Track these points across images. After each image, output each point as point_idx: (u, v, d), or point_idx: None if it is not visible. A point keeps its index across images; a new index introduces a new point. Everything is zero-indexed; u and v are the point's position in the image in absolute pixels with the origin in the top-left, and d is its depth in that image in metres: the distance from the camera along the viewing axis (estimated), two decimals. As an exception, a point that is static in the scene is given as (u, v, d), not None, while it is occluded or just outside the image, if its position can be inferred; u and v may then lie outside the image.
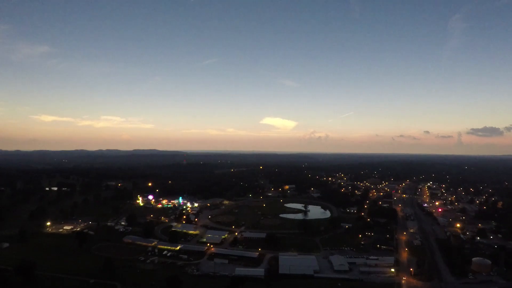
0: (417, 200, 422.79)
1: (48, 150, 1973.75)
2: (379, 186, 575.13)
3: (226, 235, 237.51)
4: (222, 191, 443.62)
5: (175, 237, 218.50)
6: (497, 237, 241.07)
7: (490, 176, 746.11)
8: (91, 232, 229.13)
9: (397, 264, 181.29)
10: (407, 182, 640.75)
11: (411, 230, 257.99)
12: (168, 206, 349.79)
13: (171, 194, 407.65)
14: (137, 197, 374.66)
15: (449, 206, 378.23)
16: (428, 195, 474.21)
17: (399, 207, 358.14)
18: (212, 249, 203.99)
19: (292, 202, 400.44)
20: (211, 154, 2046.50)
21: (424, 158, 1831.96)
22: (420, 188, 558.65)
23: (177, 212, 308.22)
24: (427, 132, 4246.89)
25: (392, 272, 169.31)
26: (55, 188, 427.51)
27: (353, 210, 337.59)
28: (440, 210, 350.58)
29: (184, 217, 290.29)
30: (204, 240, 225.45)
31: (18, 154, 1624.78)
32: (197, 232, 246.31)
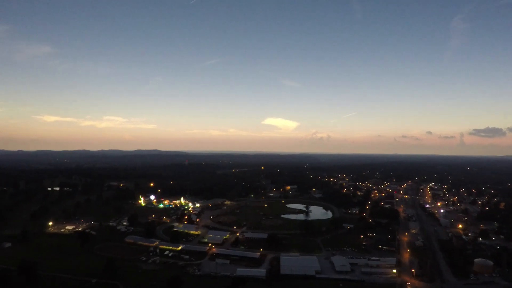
0: (419, 201, 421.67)
1: (50, 150, 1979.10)
2: (381, 186, 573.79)
3: (227, 235, 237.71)
4: (224, 192, 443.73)
5: (177, 237, 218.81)
6: (499, 238, 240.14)
7: (493, 177, 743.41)
8: (93, 232, 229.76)
9: (399, 265, 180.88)
10: (409, 183, 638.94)
11: (413, 231, 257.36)
12: (170, 206, 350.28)
13: (173, 194, 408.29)
14: (139, 197, 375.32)
15: (451, 207, 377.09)
16: (430, 196, 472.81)
17: (401, 208, 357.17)
18: (214, 249, 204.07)
19: (294, 203, 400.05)
20: (213, 154, 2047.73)
21: (426, 158, 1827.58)
22: (422, 189, 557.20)
23: (178, 212, 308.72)
24: (430, 132, 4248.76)
25: (394, 273, 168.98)
26: (57, 188, 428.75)
27: (355, 210, 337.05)
28: (442, 210, 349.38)
29: (186, 217, 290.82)
30: (206, 240, 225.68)
31: (20, 154, 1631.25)
32: (198, 232, 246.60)
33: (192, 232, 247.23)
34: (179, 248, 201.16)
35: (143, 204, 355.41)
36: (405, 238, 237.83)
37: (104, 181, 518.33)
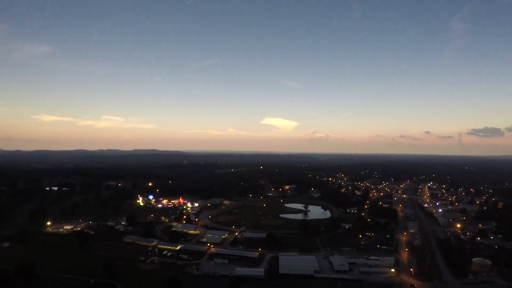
0: (417, 201, 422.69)
1: (48, 150, 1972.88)
2: (379, 186, 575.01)
3: (226, 235, 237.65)
4: (223, 191, 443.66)
5: (175, 237, 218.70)
6: (497, 237, 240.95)
7: (491, 176, 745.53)
8: (92, 232, 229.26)
9: (397, 264, 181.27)
10: (408, 183, 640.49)
11: (412, 231, 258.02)
12: (169, 206, 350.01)
13: (172, 194, 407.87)
14: (138, 197, 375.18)
15: (449, 207, 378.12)
16: (428, 196, 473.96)
17: (399, 208, 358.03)
18: (212, 249, 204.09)
19: (293, 202, 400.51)
20: (212, 154, 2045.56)
21: (424, 158, 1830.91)
22: (421, 189, 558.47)
23: (177, 212, 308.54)
24: (428, 132, 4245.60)
25: (393, 272, 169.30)
26: (56, 188, 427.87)
27: (354, 210, 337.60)
28: (440, 210, 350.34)
29: (184, 217, 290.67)
30: (204, 240, 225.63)
31: (18, 154, 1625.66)
32: (197, 232, 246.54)
33: (191, 231, 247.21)
34: (178, 247, 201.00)
35: (142, 204, 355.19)
36: (403, 237, 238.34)
37: (103, 181, 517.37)
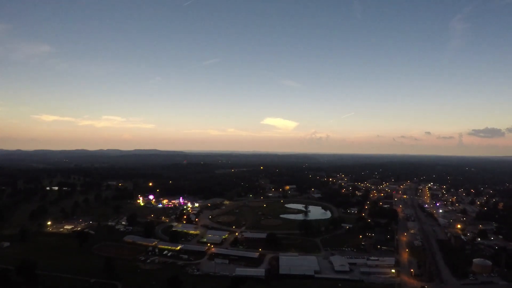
0: (418, 201, 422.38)
1: (49, 150, 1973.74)
2: (380, 186, 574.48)
3: (226, 235, 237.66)
4: (223, 191, 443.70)
5: (176, 237, 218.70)
6: (498, 238, 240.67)
7: (491, 177, 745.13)
8: (92, 232, 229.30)
9: (397, 265, 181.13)
10: (408, 183, 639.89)
11: (412, 231, 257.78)
12: (169, 206, 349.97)
13: (172, 194, 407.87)
14: (138, 197, 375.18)
15: (450, 207, 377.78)
16: (429, 196, 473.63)
17: (399, 208, 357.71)
18: (213, 249, 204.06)
19: (293, 203, 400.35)
20: (212, 154, 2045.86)
21: (425, 159, 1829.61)
22: (421, 189, 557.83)
23: (177, 212, 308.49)
24: (428, 133, 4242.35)
25: (393, 272, 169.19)
26: (56, 188, 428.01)
27: (354, 210, 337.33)
28: (441, 211, 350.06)
29: (185, 217, 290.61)
30: (205, 240, 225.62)
31: (19, 154, 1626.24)
32: (197, 232, 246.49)
33: (191, 232, 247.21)
34: (178, 247, 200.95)
35: (142, 204, 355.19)
36: (404, 238, 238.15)
37: (103, 181, 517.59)
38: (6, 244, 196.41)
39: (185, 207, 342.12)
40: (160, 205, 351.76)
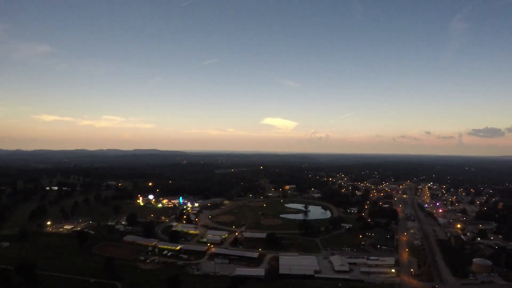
0: (417, 201, 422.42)
1: (48, 150, 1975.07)
2: (379, 186, 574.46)
3: (226, 235, 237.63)
4: (223, 191, 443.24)
5: (176, 237, 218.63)
6: (497, 238, 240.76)
7: (491, 177, 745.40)
8: (92, 232, 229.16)
9: (397, 264, 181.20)
10: (408, 183, 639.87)
11: (412, 231, 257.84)
12: (169, 206, 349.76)
13: (172, 194, 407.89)
14: (138, 196, 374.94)
15: (449, 207, 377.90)
16: (428, 196, 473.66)
17: (399, 208, 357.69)
18: (213, 249, 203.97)
19: (293, 202, 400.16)
20: (212, 154, 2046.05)
21: (425, 158, 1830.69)
22: (421, 189, 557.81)
23: (177, 212, 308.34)
24: (428, 132, 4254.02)
25: (393, 272, 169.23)
26: (56, 188, 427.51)
27: (354, 210, 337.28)
28: (440, 210, 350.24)
29: (185, 217, 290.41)
30: (205, 240, 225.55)
31: (18, 154, 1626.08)
32: (197, 232, 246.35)
33: (191, 231, 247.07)
34: (178, 247, 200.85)
35: (142, 204, 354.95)
36: (403, 237, 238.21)
37: (103, 181, 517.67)
38: (6, 244, 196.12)
39: (184, 207, 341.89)
40: (160, 205, 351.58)
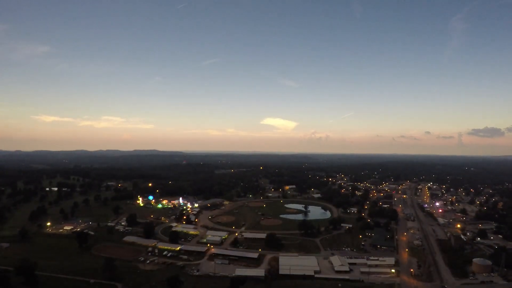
0: (417, 201, 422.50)
1: (48, 150, 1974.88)
2: (379, 186, 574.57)
3: (226, 235, 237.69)
4: (223, 192, 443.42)
5: (175, 238, 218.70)
6: (497, 237, 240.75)
7: (491, 176, 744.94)
8: (92, 232, 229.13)
9: (397, 264, 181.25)
10: (408, 183, 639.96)
11: (412, 231, 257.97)
12: (168, 206, 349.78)
13: (171, 194, 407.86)
14: (138, 197, 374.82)
15: (449, 207, 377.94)
16: (428, 196, 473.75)
17: (399, 208, 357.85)
18: (212, 249, 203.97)
19: (293, 203, 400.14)
20: (212, 154, 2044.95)
21: (424, 158, 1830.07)
22: (421, 189, 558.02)
23: (177, 213, 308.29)
24: (428, 132, 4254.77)
25: (393, 272, 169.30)
26: (56, 188, 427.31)
27: (354, 210, 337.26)
28: (440, 210, 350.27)
29: (184, 217, 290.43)
30: (204, 240, 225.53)
31: (18, 154, 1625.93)
32: (197, 232, 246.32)
33: (191, 232, 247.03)
34: (178, 248, 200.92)
35: (142, 204, 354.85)
36: (403, 237, 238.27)
37: (102, 181, 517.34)
38: (6, 245, 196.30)
39: (184, 207, 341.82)
40: (160, 206, 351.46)
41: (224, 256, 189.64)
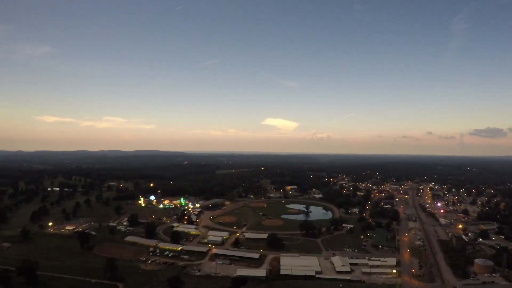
0: (419, 201, 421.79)
1: (50, 151, 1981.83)
2: (381, 187, 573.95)
3: (227, 235, 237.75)
4: (224, 192, 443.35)
5: (177, 238, 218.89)
6: (499, 238, 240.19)
7: (493, 177, 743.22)
8: (93, 232, 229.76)
9: (399, 265, 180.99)
10: (409, 183, 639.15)
11: (413, 231, 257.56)
12: (170, 206, 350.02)
13: (173, 194, 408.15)
14: (139, 197, 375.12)
15: (451, 207, 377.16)
16: (430, 196, 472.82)
17: (401, 208, 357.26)
18: (214, 249, 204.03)
19: (294, 203, 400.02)
20: (213, 154, 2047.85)
21: (426, 159, 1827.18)
22: (422, 189, 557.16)
23: (178, 213, 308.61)
24: (430, 133, 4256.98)
25: (394, 273, 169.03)
26: (57, 189, 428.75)
27: (355, 211, 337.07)
28: (442, 211, 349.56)
29: (186, 217, 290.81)
30: (206, 240, 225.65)
31: (20, 155, 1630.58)
32: (198, 232, 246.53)
33: (192, 232, 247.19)
34: (179, 248, 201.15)
35: (143, 205, 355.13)
36: (405, 238, 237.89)
37: (104, 182, 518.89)
38: (8, 245, 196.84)
39: (186, 207, 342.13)
40: (161, 206, 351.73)
41: (225, 256, 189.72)
